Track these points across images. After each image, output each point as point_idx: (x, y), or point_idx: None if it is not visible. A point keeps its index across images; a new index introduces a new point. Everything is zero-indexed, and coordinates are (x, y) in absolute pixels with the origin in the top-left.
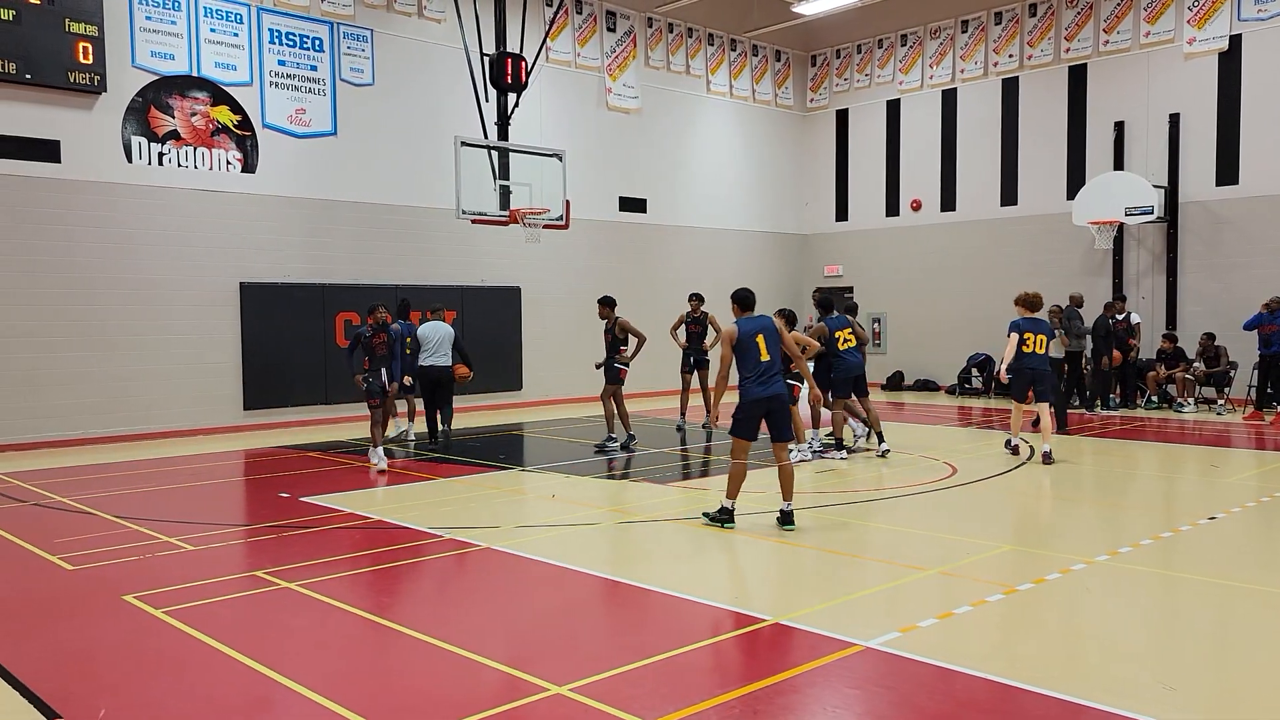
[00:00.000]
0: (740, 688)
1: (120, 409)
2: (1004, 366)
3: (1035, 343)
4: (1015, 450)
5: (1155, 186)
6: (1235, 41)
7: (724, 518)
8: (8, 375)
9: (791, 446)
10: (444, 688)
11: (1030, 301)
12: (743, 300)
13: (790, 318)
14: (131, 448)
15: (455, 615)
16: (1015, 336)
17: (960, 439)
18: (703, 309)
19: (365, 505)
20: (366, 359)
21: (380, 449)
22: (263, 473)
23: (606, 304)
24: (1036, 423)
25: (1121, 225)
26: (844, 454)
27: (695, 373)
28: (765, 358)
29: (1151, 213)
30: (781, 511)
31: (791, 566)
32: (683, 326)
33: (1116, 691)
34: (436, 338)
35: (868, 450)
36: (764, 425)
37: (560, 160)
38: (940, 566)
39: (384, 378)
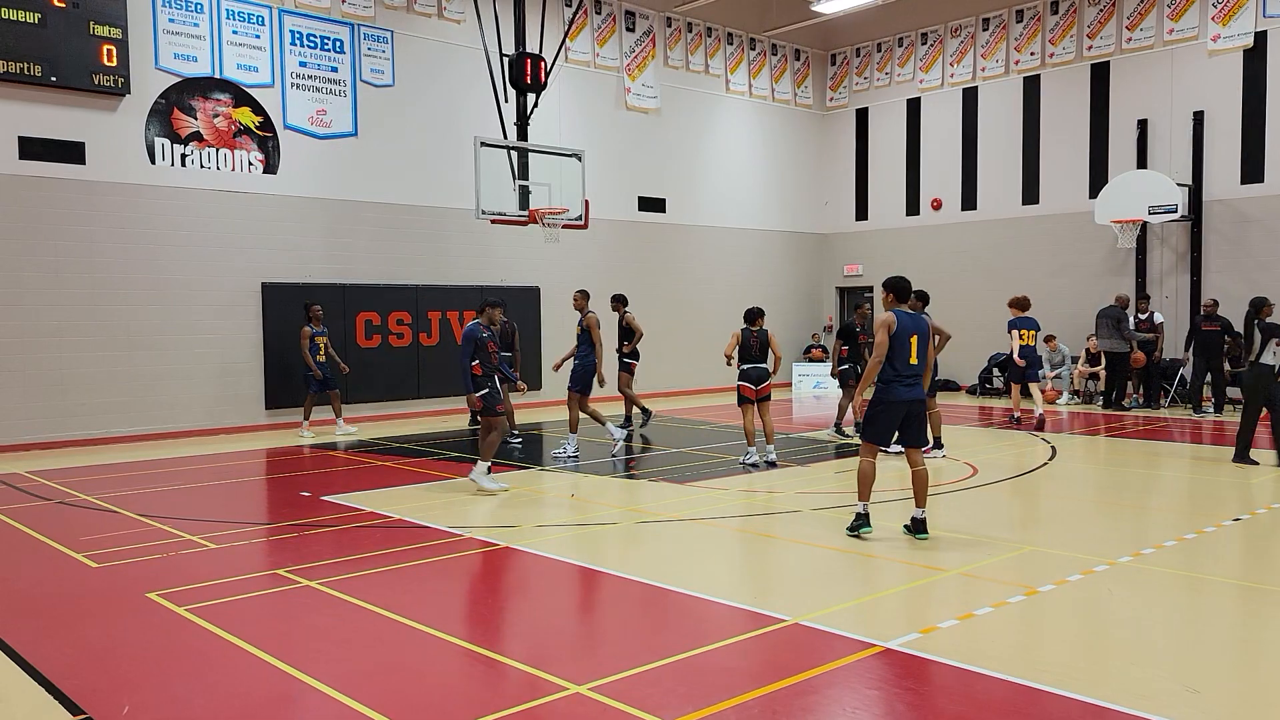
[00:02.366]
0: (760, 688)
1: (144, 408)
2: (1014, 356)
3: (1027, 336)
4: (1018, 422)
5: (1179, 185)
6: (1260, 38)
7: (860, 524)
8: (33, 375)
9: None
10: (464, 686)
11: (1020, 303)
12: (900, 290)
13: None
14: (155, 447)
15: (475, 614)
16: (1016, 333)
17: (981, 439)
18: (625, 309)
19: (386, 504)
20: (477, 364)
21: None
22: (284, 471)
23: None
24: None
25: (1145, 224)
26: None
27: (620, 375)
28: (914, 360)
29: (1175, 211)
30: (913, 519)
31: (811, 567)
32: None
33: (1139, 694)
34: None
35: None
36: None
37: (579, 160)
38: (961, 567)
39: (497, 383)
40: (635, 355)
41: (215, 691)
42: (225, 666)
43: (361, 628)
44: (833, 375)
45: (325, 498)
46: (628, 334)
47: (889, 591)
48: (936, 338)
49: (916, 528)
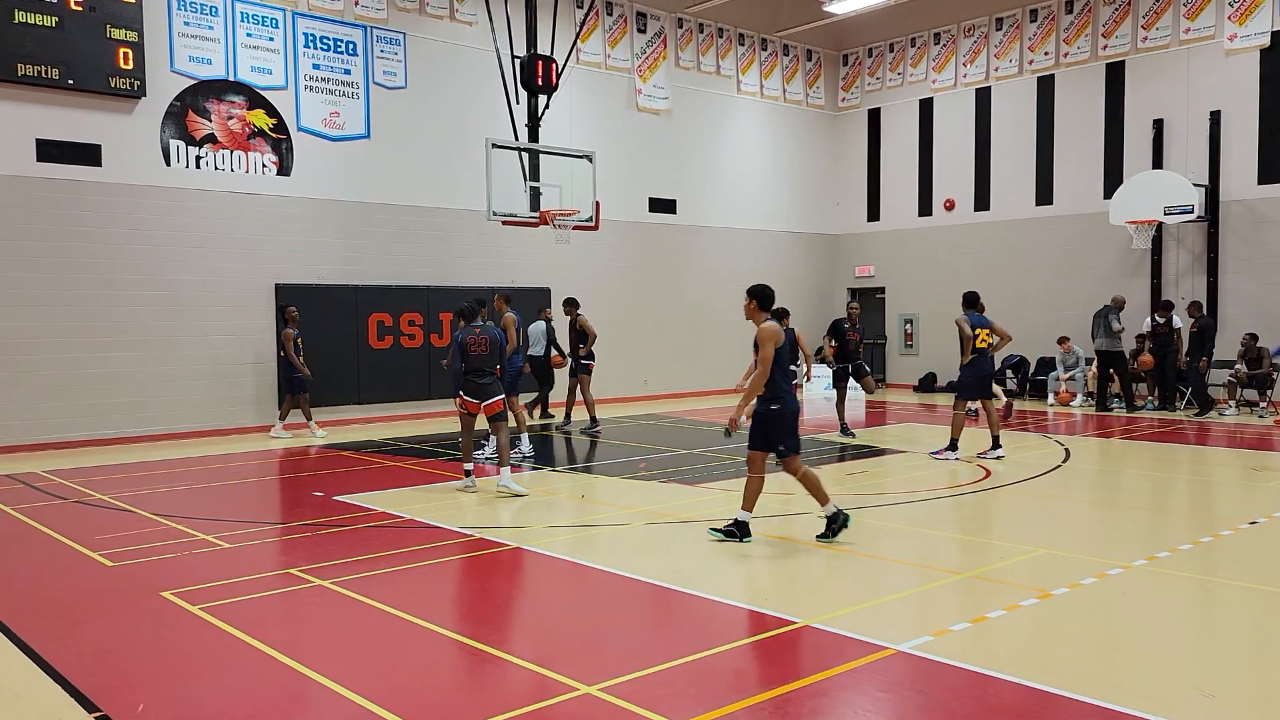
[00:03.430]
0: (770, 690)
1: (158, 408)
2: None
3: (982, 335)
4: (975, 416)
5: (1195, 185)
6: (1277, 37)
7: (840, 526)
8: (50, 375)
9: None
10: (474, 686)
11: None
12: (764, 298)
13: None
14: (168, 446)
15: (485, 614)
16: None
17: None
18: (578, 312)
19: (397, 504)
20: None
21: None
22: (297, 472)
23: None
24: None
25: (1160, 225)
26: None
27: (575, 377)
28: (791, 368)
29: (1191, 212)
30: (827, 519)
31: (822, 569)
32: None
33: (1152, 698)
34: (537, 334)
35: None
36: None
37: (590, 161)
38: (973, 570)
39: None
40: (591, 357)
41: (228, 690)
42: (238, 665)
43: (373, 627)
44: (855, 376)
45: (337, 498)
46: (582, 337)
47: (900, 594)
48: (996, 338)
49: (835, 525)
